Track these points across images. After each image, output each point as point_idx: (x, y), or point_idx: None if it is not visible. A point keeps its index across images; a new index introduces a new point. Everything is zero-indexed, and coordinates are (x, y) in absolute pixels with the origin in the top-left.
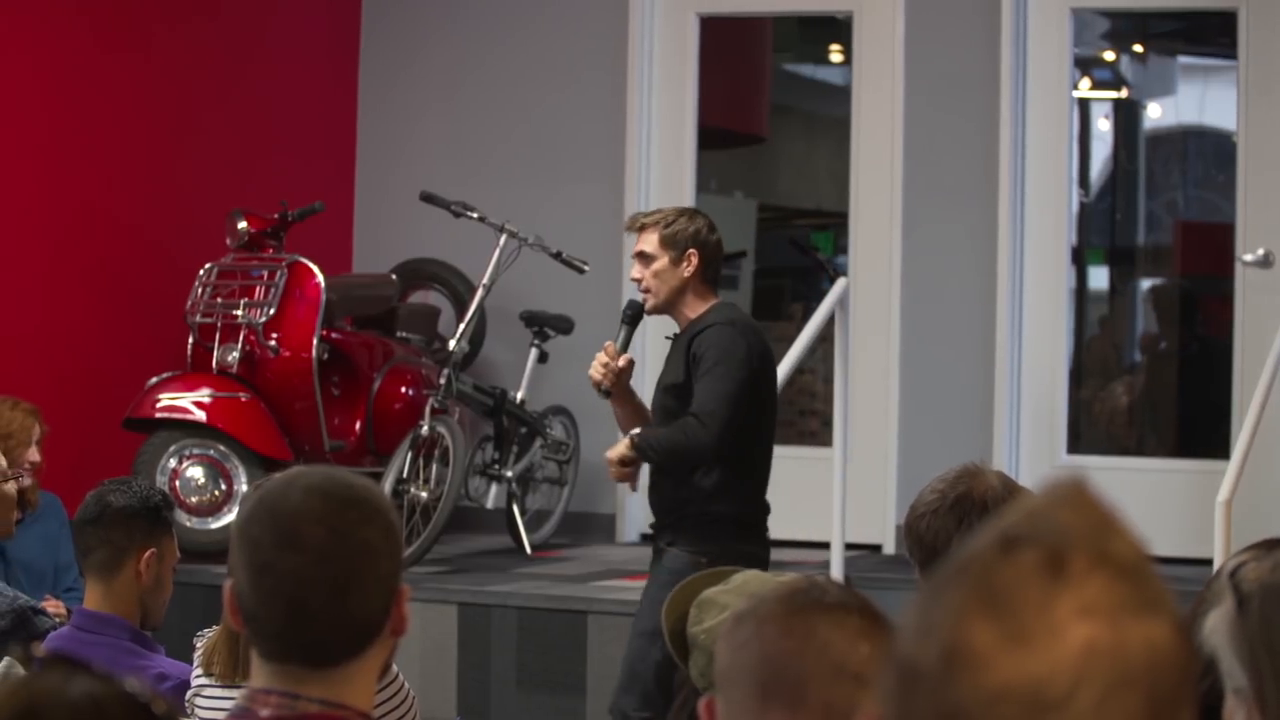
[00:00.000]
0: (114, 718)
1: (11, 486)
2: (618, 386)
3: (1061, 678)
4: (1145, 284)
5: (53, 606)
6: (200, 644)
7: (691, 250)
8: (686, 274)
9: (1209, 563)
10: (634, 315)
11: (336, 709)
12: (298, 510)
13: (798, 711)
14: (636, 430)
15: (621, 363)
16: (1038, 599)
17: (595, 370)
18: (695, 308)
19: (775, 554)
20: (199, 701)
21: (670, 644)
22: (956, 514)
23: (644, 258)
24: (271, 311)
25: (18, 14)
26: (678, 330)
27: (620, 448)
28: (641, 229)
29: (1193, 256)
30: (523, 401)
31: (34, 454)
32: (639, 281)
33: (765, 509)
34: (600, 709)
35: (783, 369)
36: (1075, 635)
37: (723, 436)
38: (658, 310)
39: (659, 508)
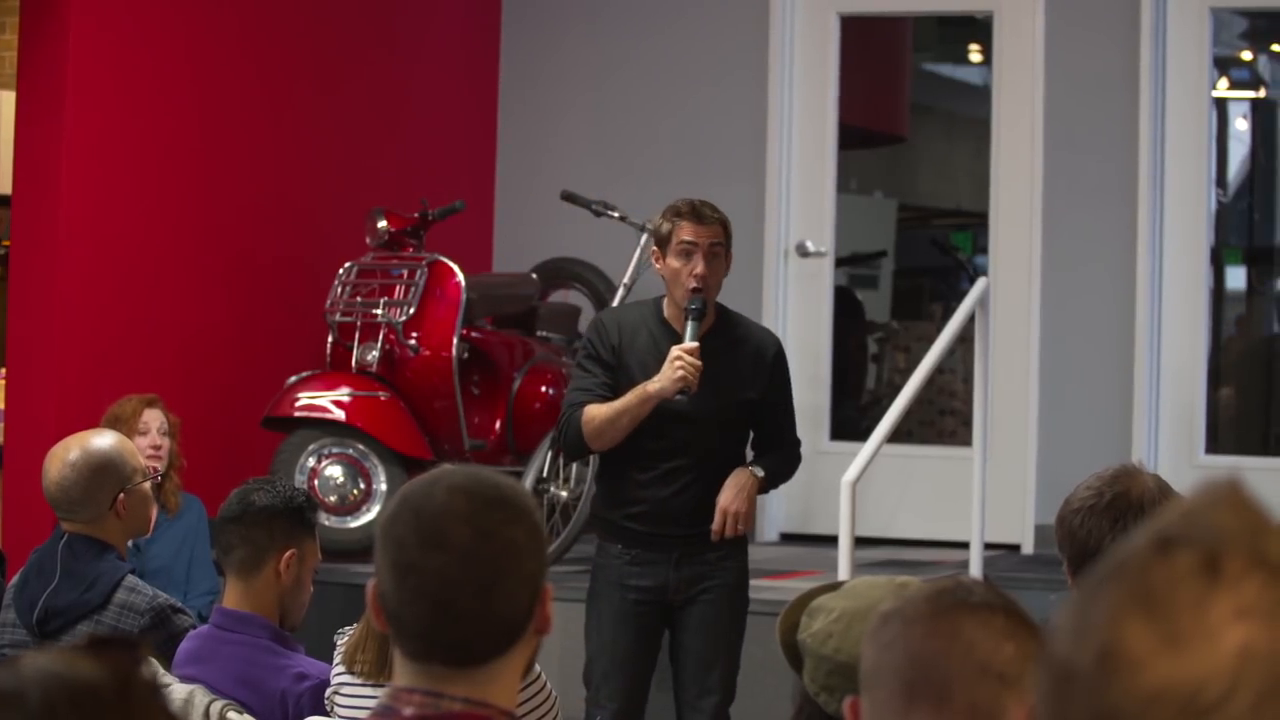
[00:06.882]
0: (90, 690)
1: (148, 485)
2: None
3: (1217, 681)
4: None
5: None
6: (341, 642)
7: (730, 250)
8: (725, 274)
9: None
10: (700, 311)
11: (480, 708)
12: (442, 510)
13: (942, 711)
14: (758, 469)
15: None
16: (1193, 601)
17: (689, 370)
18: (713, 311)
19: (915, 554)
20: (338, 699)
21: (784, 654)
22: (1111, 514)
23: (714, 250)
24: (411, 310)
25: (163, 14)
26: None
27: (748, 485)
28: (715, 221)
29: None
30: None
31: (155, 439)
32: (703, 278)
33: None
34: (741, 708)
35: (922, 369)
36: (1231, 638)
37: None
38: (707, 312)
39: (699, 521)
